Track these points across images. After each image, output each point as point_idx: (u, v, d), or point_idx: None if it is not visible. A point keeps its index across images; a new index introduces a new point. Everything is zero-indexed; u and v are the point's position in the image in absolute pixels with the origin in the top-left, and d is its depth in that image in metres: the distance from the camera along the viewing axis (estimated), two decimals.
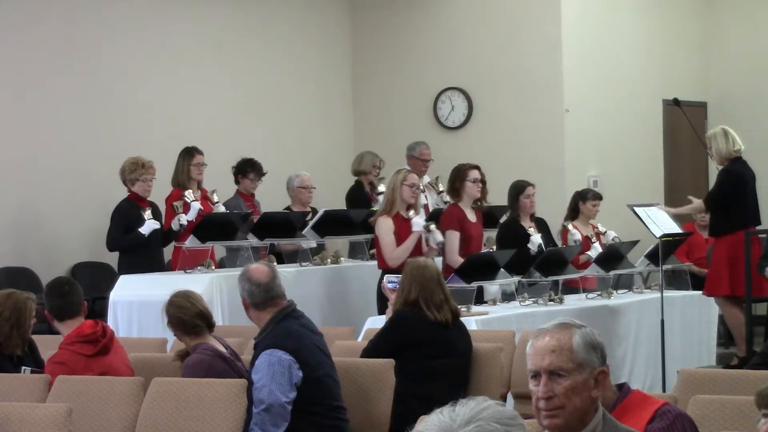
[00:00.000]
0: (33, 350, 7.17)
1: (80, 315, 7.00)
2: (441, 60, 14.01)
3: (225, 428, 6.07)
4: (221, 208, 10.60)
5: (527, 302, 9.41)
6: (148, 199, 10.54)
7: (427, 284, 7.14)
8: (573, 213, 11.14)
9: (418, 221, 9.57)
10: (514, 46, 13.63)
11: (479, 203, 10.12)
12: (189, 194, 10.46)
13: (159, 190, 10.67)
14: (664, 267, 10.08)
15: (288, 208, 11.33)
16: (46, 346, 7.17)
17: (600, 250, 10.58)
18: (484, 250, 9.92)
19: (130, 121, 12.29)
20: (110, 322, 9.39)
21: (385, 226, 9.61)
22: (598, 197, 11.21)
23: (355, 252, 11.09)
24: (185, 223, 10.27)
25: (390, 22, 14.29)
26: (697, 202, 10.95)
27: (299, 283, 9.67)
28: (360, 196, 11.77)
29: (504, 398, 7.59)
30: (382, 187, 11.20)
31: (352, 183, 12.12)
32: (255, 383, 6.26)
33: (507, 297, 9.63)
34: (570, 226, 10.75)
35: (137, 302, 9.59)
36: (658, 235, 10.07)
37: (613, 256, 10.43)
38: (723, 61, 14.93)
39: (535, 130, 13.50)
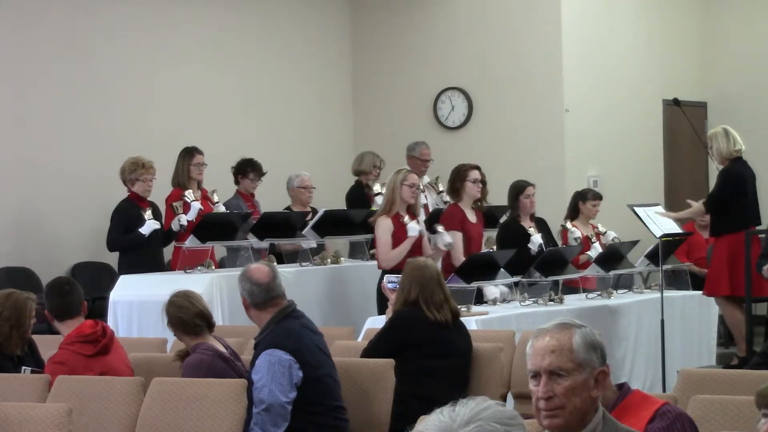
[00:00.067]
0: (33, 350, 7.17)
1: (80, 315, 7.00)
2: (441, 60, 14.01)
3: (225, 428, 6.07)
4: (221, 208, 10.59)
5: (527, 302, 9.41)
6: (148, 199, 10.54)
7: (427, 284, 7.13)
8: (573, 213, 11.14)
9: (413, 227, 9.55)
10: (514, 46, 13.63)
11: (479, 203, 10.12)
12: (189, 194, 10.46)
13: (159, 190, 10.67)
14: (664, 267, 10.08)
15: (288, 208, 11.33)
16: (46, 346, 7.17)
17: (600, 250, 10.58)
18: (484, 250, 9.92)
19: (130, 121, 12.30)
20: (110, 322, 9.39)
21: (383, 227, 9.61)
22: (598, 197, 11.21)
23: (355, 252, 11.09)
24: (185, 223, 10.27)
25: (390, 22, 14.29)
26: (697, 206, 10.95)
27: (299, 283, 9.67)
28: (360, 196, 11.77)
29: (504, 398, 7.59)
30: (377, 187, 11.21)
31: (352, 183, 12.12)
32: (255, 383, 6.26)
33: (505, 297, 9.64)
34: (569, 225, 10.75)
35: (137, 302, 9.59)
36: (658, 235, 10.07)
37: (613, 256, 10.43)
38: (723, 61, 14.93)
39: (535, 130, 13.51)
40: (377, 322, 8.30)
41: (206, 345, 6.65)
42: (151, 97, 12.55)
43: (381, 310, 9.14)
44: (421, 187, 10.50)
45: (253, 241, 10.16)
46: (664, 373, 9.66)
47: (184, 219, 10.29)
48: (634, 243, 10.77)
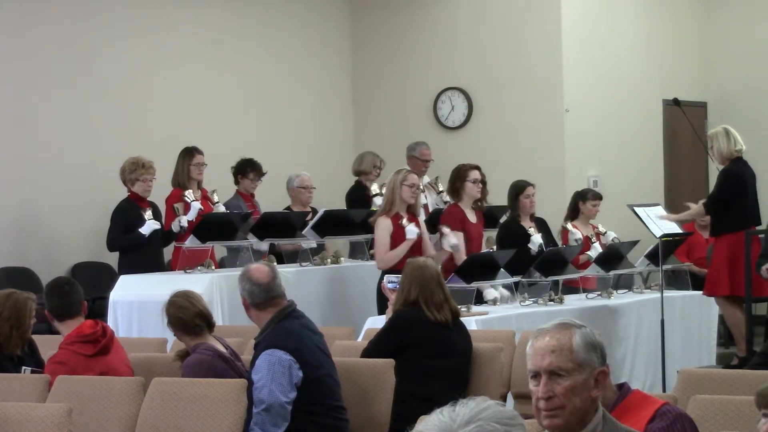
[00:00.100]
0: (33, 350, 7.16)
1: (80, 315, 7.00)
2: (441, 60, 14.02)
3: (225, 428, 6.07)
4: (221, 208, 10.59)
5: (527, 302, 9.41)
6: (148, 199, 10.54)
7: (427, 284, 7.13)
8: (573, 213, 11.14)
9: (412, 229, 9.54)
10: (514, 46, 13.64)
11: (479, 203, 10.11)
12: (189, 194, 10.46)
13: (159, 190, 10.67)
14: (664, 267, 10.08)
15: (288, 208, 11.33)
16: (46, 346, 7.17)
17: (600, 250, 10.58)
18: (484, 250, 9.92)
19: (130, 121, 12.30)
20: (110, 322, 9.39)
21: (382, 227, 9.61)
22: (598, 197, 11.21)
23: (355, 252, 11.09)
24: (185, 225, 10.26)
25: (390, 22, 14.29)
26: (697, 207, 10.94)
27: (299, 283, 9.66)
28: (360, 196, 11.76)
29: (504, 398, 7.59)
30: (375, 188, 11.22)
31: (352, 183, 12.12)
32: (255, 383, 6.26)
33: (505, 301, 9.64)
34: (570, 226, 10.75)
35: (137, 302, 9.59)
36: (658, 235, 10.07)
37: (613, 256, 10.43)
38: (723, 61, 14.93)
39: (535, 130, 13.51)
40: (377, 322, 8.30)
41: (206, 345, 6.65)
42: (151, 97, 12.55)
43: (381, 310, 9.14)
44: (421, 187, 10.49)
45: (253, 241, 10.15)
46: (664, 373, 9.66)
47: (184, 220, 10.28)
48: (634, 243, 10.76)
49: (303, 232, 10.41)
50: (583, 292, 10.09)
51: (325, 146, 13.99)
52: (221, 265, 10.81)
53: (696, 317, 10.60)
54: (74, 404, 6.00)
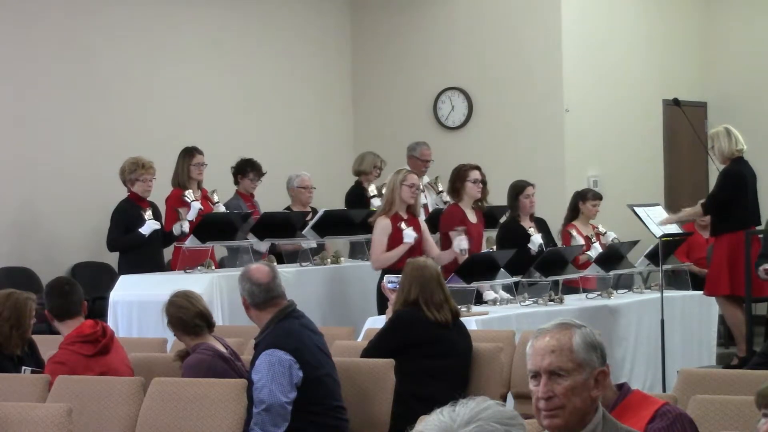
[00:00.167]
0: (33, 350, 7.16)
1: (80, 315, 7.00)
2: (441, 60, 14.02)
3: (225, 428, 6.07)
4: (221, 208, 10.60)
5: (527, 302, 9.41)
6: (148, 199, 10.53)
7: (427, 284, 7.13)
8: (573, 213, 11.14)
9: (410, 234, 9.53)
10: (514, 46, 13.64)
11: (480, 203, 10.11)
12: (189, 194, 10.45)
13: (159, 190, 10.67)
14: (664, 267, 10.08)
15: (288, 208, 11.33)
16: (46, 346, 7.17)
17: (600, 250, 10.58)
18: (484, 250, 9.91)
19: (130, 121, 12.30)
20: (110, 322, 9.39)
21: (380, 227, 9.61)
22: (598, 197, 11.21)
23: (355, 252, 11.09)
24: (187, 230, 10.22)
25: (390, 22, 14.29)
26: (696, 207, 10.94)
27: (299, 283, 9.66)
28: (359, 196, 11.76)
29: (504, 398, 7.59)
30: (373, 189, 11.22)
31: (352, 183, 12.11)
32: (255, 383, 6.26)
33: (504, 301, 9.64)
34: (574, 233, 10.73)
35: (137, 302, 9.59)
36: (658, 235, 10.07)
37: (613, 256, 10.43)
38: (723, 61, 14.93)
39: (535, 130, 13.51)
40: (377, 322, 8.30)
41: (206, 345, 6.65)
42: (151, 97, 12.55)
43: (381, 310, 9.14)
44: (421, 187, 10.49)
45: (253, 241, 10.15)
46: (664, 373, 9.66)
47: (186, 225, 10.23)
48: (634, 243, 10.76)
49: (303, 232, 10.41)
50: (583, 292, 10.09)
51: (325, 146, 13.99)
52: (221, 265, 10.81)
53: (696, 317, 10.60)
54: (74, 404, 6.00)
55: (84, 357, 6.81)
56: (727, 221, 10.45)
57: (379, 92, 14.34)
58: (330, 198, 12.23)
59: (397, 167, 10.28)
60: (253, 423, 6.20)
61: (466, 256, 9.55)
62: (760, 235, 9.94)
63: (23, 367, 6.95)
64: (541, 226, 10.83)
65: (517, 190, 10.50)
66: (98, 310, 9.99)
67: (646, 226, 10.22)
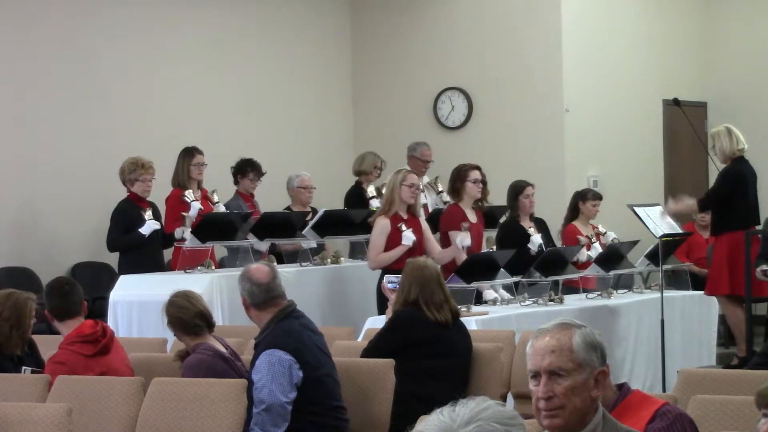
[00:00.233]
0: (33, 350, 7.16)
1: (80, 315, 7.00)
2: (441, 60, 14.02)
3: (225, 428, 6.07)
4: (221, 208, 10.59)
5: (527, 302, 9.41)
6: (148, 199, 10.53)
7: (427, 284, 7.13)
8: (573, 213, 11.14)
9: (408, 236, 9.53)
10: (514, 46, 13.64)
11: (480, 203, 10.11)
12: (189, 194, 10.45)
13: (159, 190, 10.67)
14: (664, 267, 10.07)
15: (288, 208, 11.33)
16: (46, 346, 7.17)
17: (600, 250, 10.58)
18: (484, 250, 9.91)
19: (130, 121, 12.30)
20: (110, 322, 9.39)
21: (379, 227, 9.60)
22: (598, 197, 11.20)
23: (355, 252, 11.09)
24: (188, 237, 10.18)
25: (390, 22, 14.29)
26: (692, 201, 10.92)
27: (299, 283, 9.66)
28: (359, 196, 11.76)
29: (504, 398, 7.59)
30: (371, 190, 11.21)
31: (352, 183, 12.12)
32: (255, 383, 6.26)
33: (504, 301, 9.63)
34: (582, 239, 10.70)
35: (137, 302, 9.59)
36: (658, 235, 10.07)
37: (613, 256, 10.43)
38: (723, 61, 14.93)
39: (535, 130, 13.51)
40: (377, 322, 8.30)
41: (206, 345, 6.65)
42: (151, 97, 12.55)
43: (381, 310, 9.14)
44: (421, 187, 10.49)
45: (253, 241, 10.15)
46: (664, 373, 9.66)
47: (188, 232, 10.15)
48: (634, 243, 10.76)
49: (303, 232, 10.40)
50: (583, 292, 10.09)
51: (325, 146, 13.99)
52: (221, 265, 10.81)
53: (696, 317, 10.60)
54: (74, 404, 6.00)
55: (84, 357, 6.81)
56: (728, 220, 10.45)
57: (379, 92, 14.34)
58: (330, 198, 12.23)
59: (397, 167, 10.28)
60: (253, 423, 6.20)
61: (464, 256, 9.55)
62: (760, 235, 9.94)
63: (23, 367, 6.95)
64: (541, 226, 10.83)
65: (517, 190, 10.51)
66: (98, 310, 9.99)
67: (646, 226, 10.22)
